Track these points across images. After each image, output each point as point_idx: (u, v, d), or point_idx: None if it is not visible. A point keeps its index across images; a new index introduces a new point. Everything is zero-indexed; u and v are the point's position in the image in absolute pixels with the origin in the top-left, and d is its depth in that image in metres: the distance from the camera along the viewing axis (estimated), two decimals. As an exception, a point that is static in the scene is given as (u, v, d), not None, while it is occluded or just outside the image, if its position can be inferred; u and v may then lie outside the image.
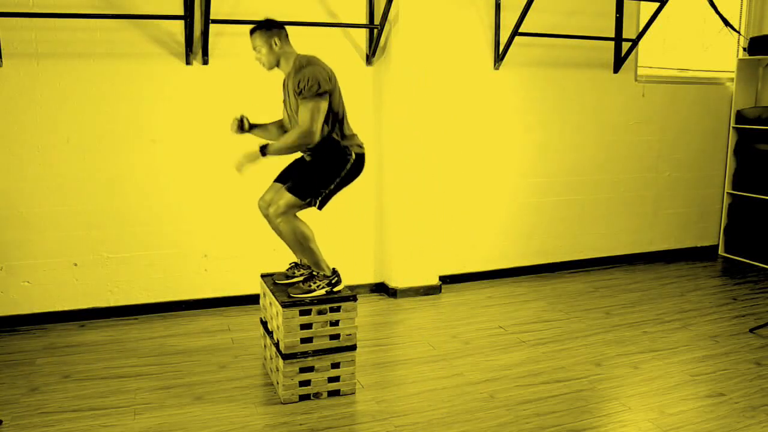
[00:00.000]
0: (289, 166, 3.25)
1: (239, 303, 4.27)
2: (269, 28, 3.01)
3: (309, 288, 3.04)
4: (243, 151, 3.67)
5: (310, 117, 2.89)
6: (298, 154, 3.18)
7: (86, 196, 3.88)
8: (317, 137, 2.94)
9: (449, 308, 4.33)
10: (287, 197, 2.99)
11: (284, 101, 3.14)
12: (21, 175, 3.76)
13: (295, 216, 3.05)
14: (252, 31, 3.03)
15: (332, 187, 3.05)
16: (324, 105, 2.92)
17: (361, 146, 3.12)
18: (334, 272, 3.13)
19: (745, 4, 5.58)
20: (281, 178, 3.20)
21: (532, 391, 3.13)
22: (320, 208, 3.08)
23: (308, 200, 3.02)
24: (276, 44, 3.00)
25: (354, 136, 3.13)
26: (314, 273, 3.11)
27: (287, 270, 3.31)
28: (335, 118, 3.03)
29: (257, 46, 3.02)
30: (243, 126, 3.24)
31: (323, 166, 3.03)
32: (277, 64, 3.06)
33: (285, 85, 3.11)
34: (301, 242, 3.08)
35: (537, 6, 4.45)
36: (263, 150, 2.97)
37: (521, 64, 4.78)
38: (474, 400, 3.04)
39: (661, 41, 5.43)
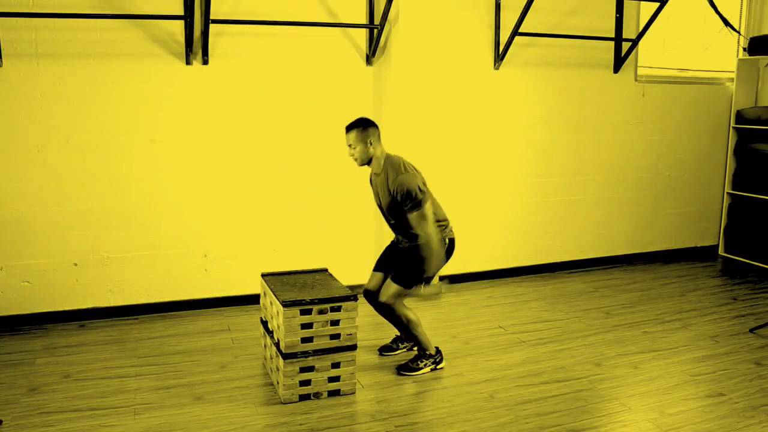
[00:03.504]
0: (386, 253, 3.44)
1: (239, 303, 4.27)
2: (365, 128, 3.17)
3: (417, 366, 3.31)
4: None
5: (424, 225, 3.09)
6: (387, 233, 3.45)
7: (86, 196, 3.88)
8: (437, 238, 3.13)
9: (449, 308, 4.33)
10: (394, 288, 3.21)
11: (376, 195, 3.33)
12: (21, 175, 3.75)
13: (403, 304, 3.27)
14: (348, 129, 3.19)
15: (432, 273, 3.24)
16: (429, 208, 3.12)
17: (451, 231, 3.31)
18: (438, 351, 3.39)
19: (745, 4, 5.58)
20: (381, 267, 3.40)
21: (532, 391, 3.13)
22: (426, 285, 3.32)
23: (413, 288, 3.23)
24: (371, 144, 3.17)
25: (445, 221, 3.29)
26: (424, 353, 3.35)
27: (391, 342, 3.55)
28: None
29: (352, 143, 3.18)
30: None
31: (420, 259, 3.17)
32: (368, 162, 3.23)
33: (373, 182, 3.32)
34: (408, 327, 3.30)
35: (537, 6, 4.45)
36: (428, 280, 3.24)
37: (521, 64, 4.78)
38: (474, 400, 3.04)
39: (661, 41, 5.43)
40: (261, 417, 2.86)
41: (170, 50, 3.92)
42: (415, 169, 3.18)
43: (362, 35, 4.36)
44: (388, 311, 3.27)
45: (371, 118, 4.38)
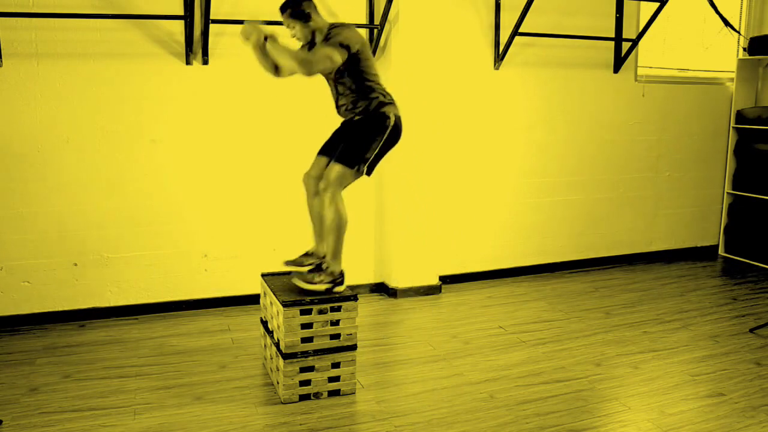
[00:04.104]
0: (331, 136, 3.24)
1: (239, 303, 4.27)
2: (299, 2, 2.98)
3: (312, 279, 3.04)
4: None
5: (321, 55, 2.86)
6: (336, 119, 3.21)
7: (86, 196, 3.88)
8: (312, 72, 2.88)
9: (449, 308, 4.33)
10: (337, 168, 3.00)
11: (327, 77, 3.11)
12: (21, 175, 3.75)
13: (341, 197, 3.04)
14: (282, 10, 3.01)
15: (376, 151, 3.06)
16: (338, 56, 2.89)
17: (397, 111, 3.12)
18: (341, 273, 3.12)
19: (745, 4, 5.58)
20: (325, 151, 3.19)
21: (532, 391, 3.13)
22: (369, 174, 3.09)
23: (356, 167, 3.02)
24: (309, 17, 3.00)
25: (393, 100, 3.13)
26: (323, 267, 3.10)
27: (300, 256, 3.29)
28: (370, 76, 3.04)
29: (289, 24, 3.01)
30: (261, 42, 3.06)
31: (364, 131, 3.02)
32: (312, 36, 3.05)
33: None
34: (337, 227, 3.04)
35: (537, 6, 4.45)
36: (267, 39, 2.91)
37: (521, 64, 4.78)
38: (474, 400, 3.04)
39: (661, 41, 5.43)
40: (261, 417, 2.86)
41: (170, 50, 3.92)
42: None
43: (362, 35, 4.36)
44: (324, 203, 3.03)
45: (371, 118, 4.42)
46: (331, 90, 3.22)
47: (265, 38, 2.93)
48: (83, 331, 3.83)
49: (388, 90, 3.16)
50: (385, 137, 3.07)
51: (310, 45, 3.11)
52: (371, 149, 3.05)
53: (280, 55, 2.90)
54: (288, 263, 3.27)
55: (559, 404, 3.01)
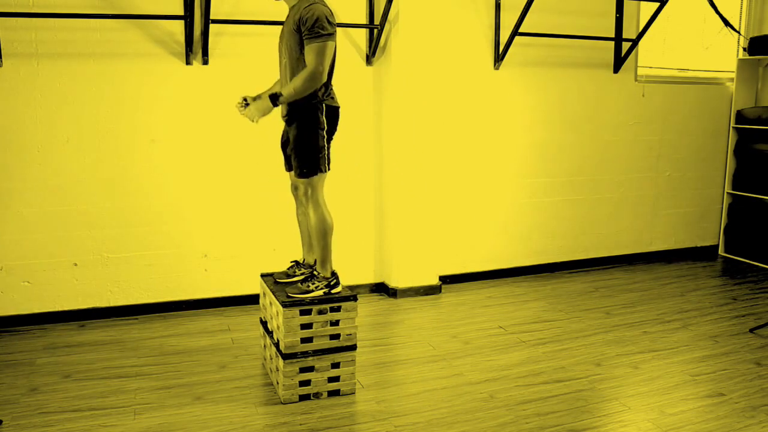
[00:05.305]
0: (282, 147, 3.21)
1: (239, 303, 4.27)
2: None
3: (307, 288, 3.04)
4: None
5: (319, 58, 2.82)
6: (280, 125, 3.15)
7: (86, 196, 3.88)
8: (324, 78, 2.87)
9: (449, 308, 4.33)
10: (303, 183, 3.02)
11: (281, 37, 3.06)
12: (21, 175, 3.76)
13: (323, 202, 3.05)
14: None
15: (324, 145, 3.01)
16: (332, 46, 2.88)
17: (333, 98, 3.05)
18: (334, 274, 3.12)
19: (745, 4, 5.58)
20: (288, 165, 3.19)
21: (532, 391, 3.13)
22: (329, 168, 3.07)
23: (318, 172, 3.00)
24: None
25: (332, 91, 3.05)
26: (314, 273, 3.11)
27: (288, 269, 3.33)
28: (331, 69, 2.98)
29: None
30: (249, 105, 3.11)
31: (304, 133, 2.96)
32: None
33: (285, 25, 3.03)
34: (324, 233, 3.05)
35: (537, 6, 4.45)
36: (274, 99, 2.87)
37: (521, 64, 4.78)
38: (474, 400, 3.04)
39: (661, 41, 5.43)
40: (261, 417, 2.86)
41: (170, 50, 3.92)
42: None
43: (362, 35, 4.36)
44: (307, 211, 3.08)
45: (371, 118, 4.44)
46: (280, 61, 3.07)
47: (273, 102, 2.88)
48: (83, 331, 3.83)
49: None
50: (325, 129, 2.99)
51: None
52: (320, 148, 2.98)
53: (292, 95, 2.86)
54: (280, 277, 3.29)
55: (559, 404, 3.01)
